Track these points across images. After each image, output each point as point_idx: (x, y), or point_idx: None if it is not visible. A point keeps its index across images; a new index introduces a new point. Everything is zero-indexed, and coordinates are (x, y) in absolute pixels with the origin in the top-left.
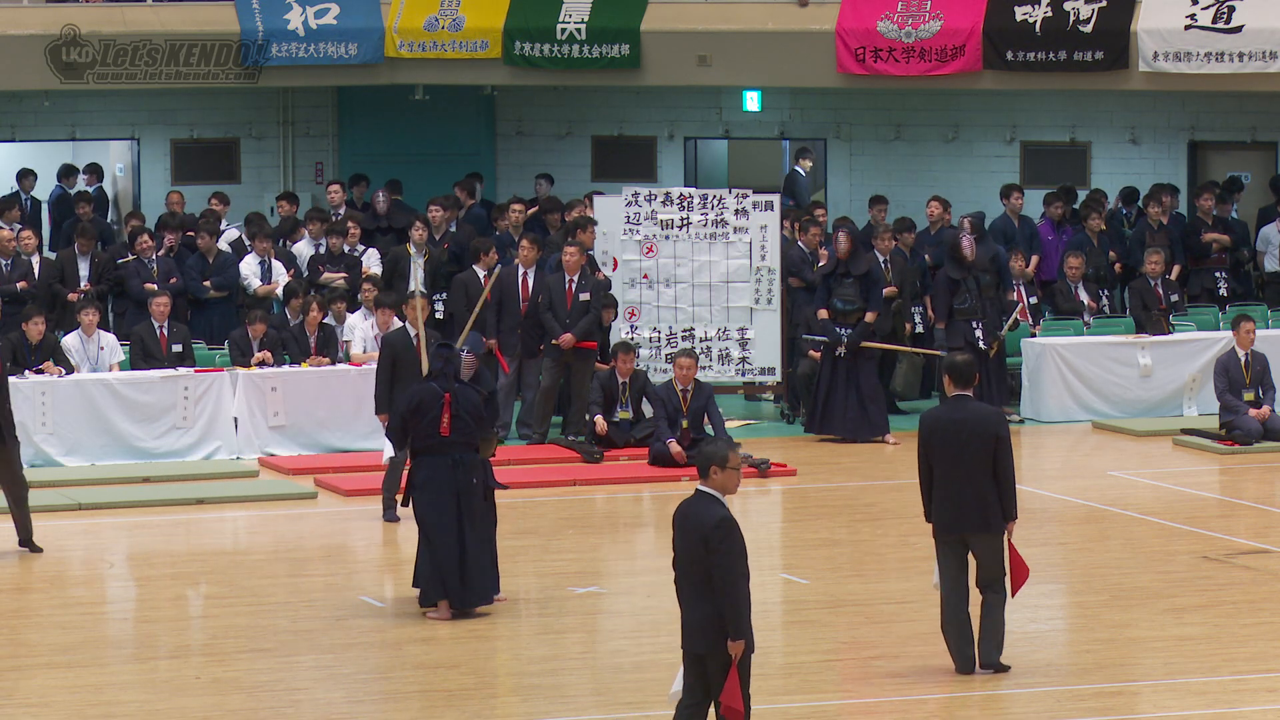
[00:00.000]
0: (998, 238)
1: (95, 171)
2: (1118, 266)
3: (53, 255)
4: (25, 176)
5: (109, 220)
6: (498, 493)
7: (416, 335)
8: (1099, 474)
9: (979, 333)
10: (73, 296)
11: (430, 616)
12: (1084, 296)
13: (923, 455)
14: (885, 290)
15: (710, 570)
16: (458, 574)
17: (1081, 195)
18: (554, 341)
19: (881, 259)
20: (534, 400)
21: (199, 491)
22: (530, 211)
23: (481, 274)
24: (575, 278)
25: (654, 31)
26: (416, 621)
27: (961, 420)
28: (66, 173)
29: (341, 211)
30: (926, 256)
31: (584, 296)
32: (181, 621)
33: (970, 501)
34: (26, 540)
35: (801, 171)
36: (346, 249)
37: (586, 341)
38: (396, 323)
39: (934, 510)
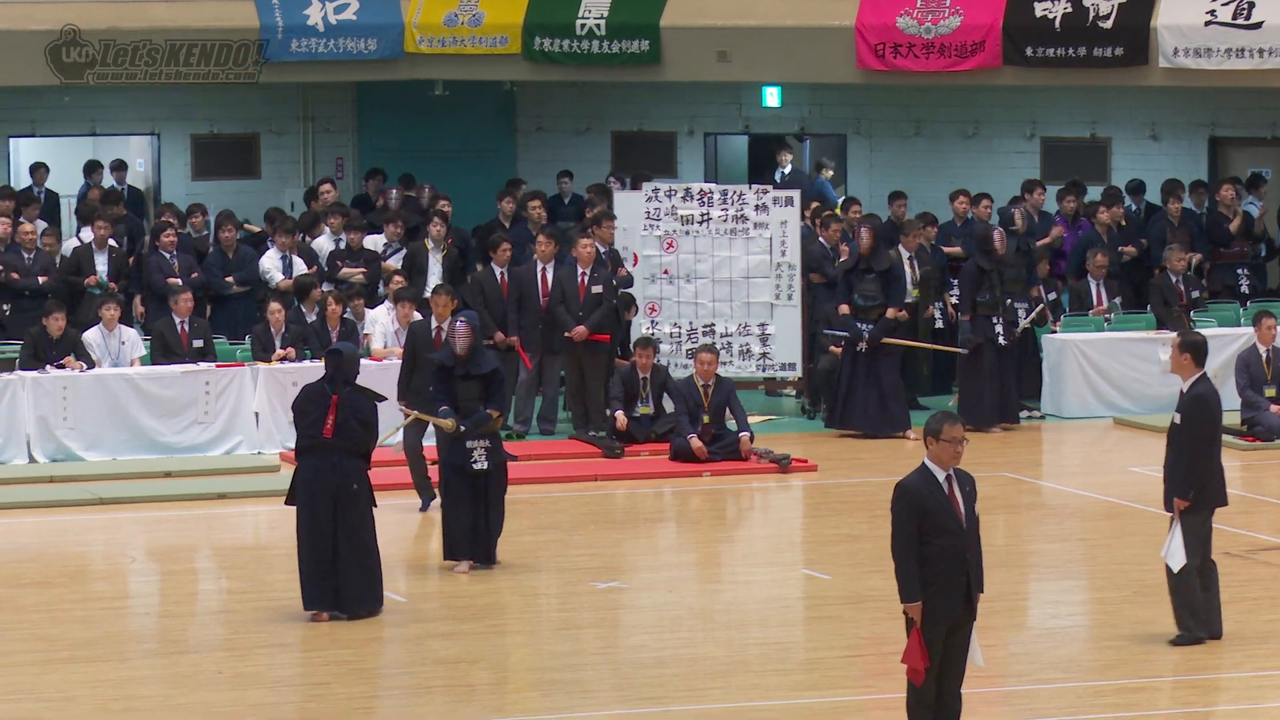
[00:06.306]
0: (1023, 232)
1: (122, 168)
2: (1138, 259)
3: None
4: (37, 170)
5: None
6: (519, 487)
7: (438, 328)
8: (1120, 470)
9: (999, 328)
10: (90, 280)
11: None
12: (1104, 296)
13: (1213, 431)
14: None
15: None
16: (332, 579)
17: (1096, 191)
18: (566, 334)
19: (907, 254)
20: (554, 397)
21: (220, 486)
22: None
23: (498, 271)
24: (588, 270)
25: (673, 27)
26: (438, 617)
27: (1218, 397)
28: (92, 169)
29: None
30: (945, 250)
31: (596, 289)
32: (203, 616)
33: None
34: None
35: (822, 180)
36: (375, 244)
37: (599, 334)
38: (418, 316)
39: (1211, 486)
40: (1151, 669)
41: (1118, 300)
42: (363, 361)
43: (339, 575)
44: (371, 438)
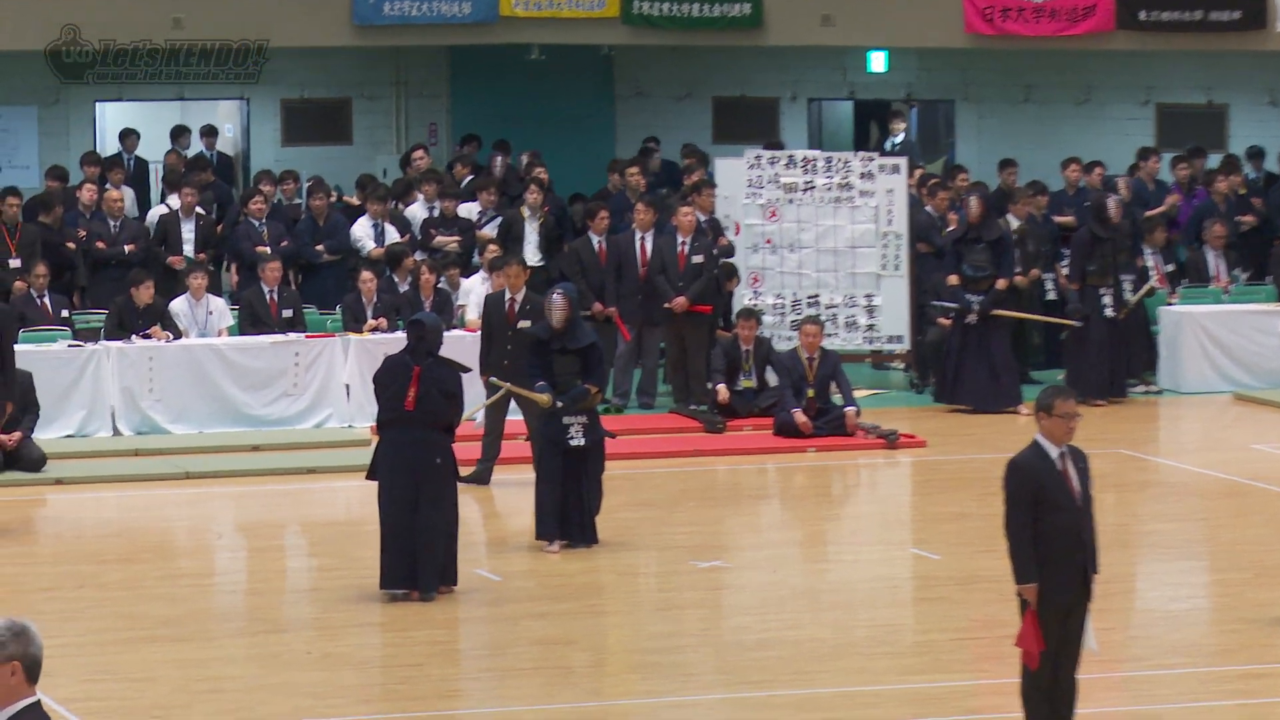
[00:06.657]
0: (1134, 202)
1: (212, 134)
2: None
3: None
4: (128, 136)
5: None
6: (617, 462)
7: (511, 299)
8: (1241, 447)
9: (1107, 299)
10: (174, 261)
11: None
12: (1221, 267)
13: None
14: None
15: None
16: (409, 558)
17: (1214, 160)
18: (665, 305)
19: (1017, 223)
20: (654, 370)
21: (309, 460)
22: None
23: (596, 240)
24: (689, 239)
25: None
26: (533, 596)
27: None
28: (179, 134)
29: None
30: (1057, 220)
31: (697, 259)
32: (291, 594)
33: None
34: None
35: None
36: (470, 212)
37: (700, 305)
38: None
39: None
40: (1276, 654)
41: (1238, 272)
42: (457, 333)
43: (417, 553)
44: (455, 411)
